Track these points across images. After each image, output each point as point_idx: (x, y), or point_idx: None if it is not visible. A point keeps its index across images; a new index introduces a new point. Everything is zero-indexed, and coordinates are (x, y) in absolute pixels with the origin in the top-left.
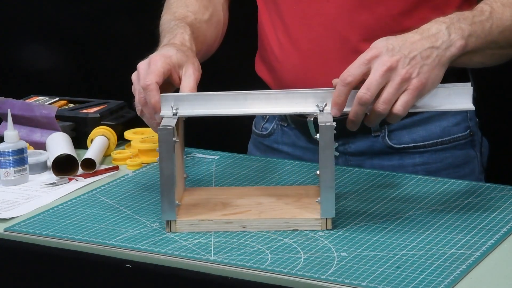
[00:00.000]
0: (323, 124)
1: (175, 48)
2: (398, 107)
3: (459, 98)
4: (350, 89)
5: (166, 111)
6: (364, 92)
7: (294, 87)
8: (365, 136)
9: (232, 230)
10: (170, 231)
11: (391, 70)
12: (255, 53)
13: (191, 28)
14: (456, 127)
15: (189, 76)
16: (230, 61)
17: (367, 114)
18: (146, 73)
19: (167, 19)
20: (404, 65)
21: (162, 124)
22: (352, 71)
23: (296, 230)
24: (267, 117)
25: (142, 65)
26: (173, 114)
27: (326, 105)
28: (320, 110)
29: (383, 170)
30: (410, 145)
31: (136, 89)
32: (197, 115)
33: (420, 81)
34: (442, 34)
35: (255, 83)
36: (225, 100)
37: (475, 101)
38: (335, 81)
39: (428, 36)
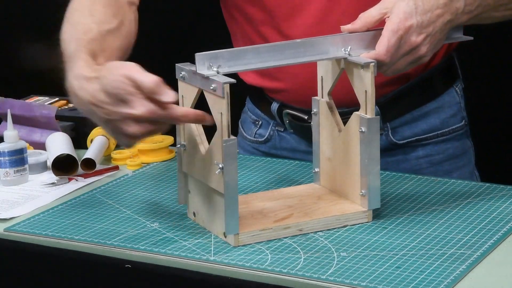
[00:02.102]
0: (369, 117)
1: (104, 82)
2: (397, 71)
3: (452, 32)
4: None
5: (205, 70)
6: (385, 56)
7: (301, 89)
8: None
9: (289, 235)
10: (238, 244)
11: (414, 47)
12: None
13: (90, 46)
14: (453, 118)
15: (136, 71)
16: None
17: None
18: (138, 80)
19: (67, 37)
20: (425, 42)
21: (224, 139)
22: (389, 53)
23: (346, 225)
24: (260, 123)
25: (136, 130)
26: (217, 73)
27: (351, 48)
28: (348, 54)
29: (387, 167)
30: (412, 139)
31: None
32: (237, 71)
33: (429, 56)
34: (459, 5)
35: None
36: (260, 53)
37: (466, 99)
38: (345, 27)
39: (450, 8)
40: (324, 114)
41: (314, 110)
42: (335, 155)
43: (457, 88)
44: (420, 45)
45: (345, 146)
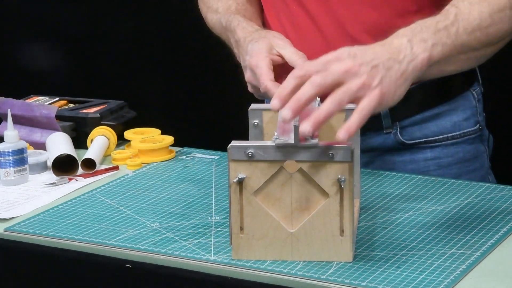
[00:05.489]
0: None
1: (252, 41)
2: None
3: None
4: (298, 85)
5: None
6: (308, 68)
7: None
8: (377, 133)
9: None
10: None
11: (350, 72)
12: None
13: (240, 13)
14: (466, 122)
15: (284, 46)
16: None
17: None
18: (258, 78)
19: (216, 20)
20: (366, 70)
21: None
22: (307, 67)
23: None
24: None
25: (250, 77)
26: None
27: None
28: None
29: (394, 167)
30: (421, 140)
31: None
32: None
33: (380, 91)
34: (404, 48)
35: None
36: None
37: (482, 95)
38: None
39: (390, 49)
40: (273, 123)
41: (254, 121)
42: None
43: (474, 92)
44: (357, 72)
45: None
